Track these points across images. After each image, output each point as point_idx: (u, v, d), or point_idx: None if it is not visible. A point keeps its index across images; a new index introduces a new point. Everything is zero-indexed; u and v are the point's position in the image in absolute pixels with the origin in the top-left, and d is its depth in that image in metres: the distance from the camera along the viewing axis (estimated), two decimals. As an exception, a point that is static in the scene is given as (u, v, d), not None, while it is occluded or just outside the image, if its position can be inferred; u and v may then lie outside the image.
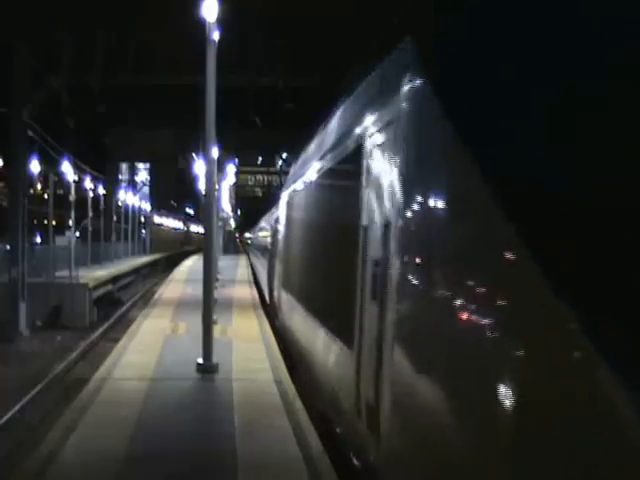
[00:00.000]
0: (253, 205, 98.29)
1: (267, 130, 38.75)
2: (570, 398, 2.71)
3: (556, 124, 3.30)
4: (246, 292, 27.30)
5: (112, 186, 51.11)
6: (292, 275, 12.89)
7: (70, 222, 32.94)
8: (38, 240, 38.28)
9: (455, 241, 4.04)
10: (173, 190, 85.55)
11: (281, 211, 17.46)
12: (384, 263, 5.19)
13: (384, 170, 5.45)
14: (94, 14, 23.54)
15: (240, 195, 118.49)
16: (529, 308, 3.10)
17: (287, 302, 13.28)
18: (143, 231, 65.84)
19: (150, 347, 13.78)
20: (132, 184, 73.39)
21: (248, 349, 13.89)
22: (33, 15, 22.02)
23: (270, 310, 19.33)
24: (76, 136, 35.90)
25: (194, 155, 49.26)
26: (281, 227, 16.82)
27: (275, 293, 16.99)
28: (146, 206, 66.96)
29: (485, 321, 3.51)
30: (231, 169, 61.14)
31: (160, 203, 76.46)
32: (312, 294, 9.82)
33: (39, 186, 63.62)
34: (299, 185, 12.63)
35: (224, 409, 9.35)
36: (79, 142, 37.98)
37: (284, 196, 16.45)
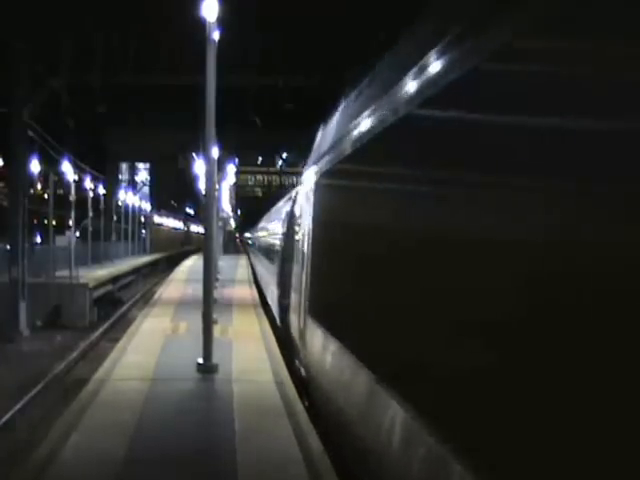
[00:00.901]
0: (253, 205, 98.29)
1: (267, 130, 38.73)
2: None
3: None
4: (246, 292, 27.29)
5: (112, 186, 51.07)
6: (340, 305, 7.06)
7: (70, 222, 32.94)
8: (38, 240, 38.28)
9: None
10: (173, 190, 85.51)
11: (302, 201, 11.74)
12: None
13: None
14: (94, 14, 23.56)
15: (240, 195, 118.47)
16: None
17: (327, 348, 7.60)
18: (143, 231, 65.84)
19: (150, 347, 13.77)
20: (132, 184, 73.40)
21: (248, 349, 13.88)
22: (33, 15, 22.02)
23: (282, 338, 14.20)
24: (76, 136, 35.92)
25: (194, 155, 49.26)
26: (305, 224, 10.60)
27: (293, 318, 11.28)
28: (146, 206, 66.97)
29: None
30: (231, 169, 61.22)
31: (160, 203, 76.46)
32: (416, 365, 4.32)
33: (39, 186, 63.59)
34: (361, 142, 6.25)
35: (224, 409, 9.34)
36: (79, 142, 38.00)
37: (309, 177, 10.49)
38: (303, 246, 10.43)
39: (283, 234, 16.89)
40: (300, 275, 10.36)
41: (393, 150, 5.19)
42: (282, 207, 21.50)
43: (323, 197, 9.04)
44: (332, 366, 7.32)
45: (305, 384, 9.97)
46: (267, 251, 25.82)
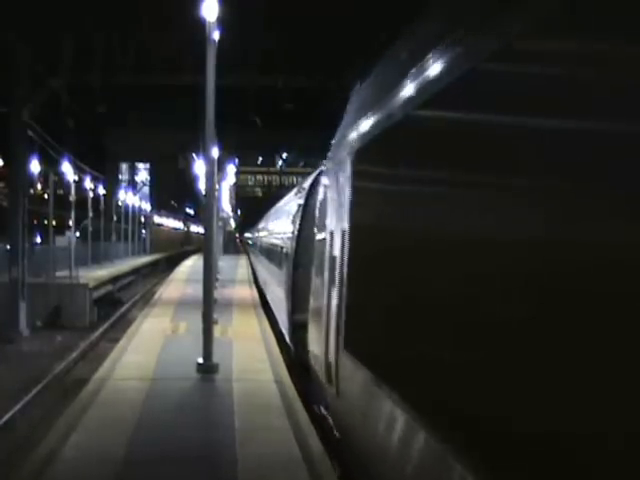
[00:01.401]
0: (253, 205, 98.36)
1: (267, 130, 38.79)
2: None
3: None
4: (246, 292, 27.29)
5: (112, 186, 51.09)
6: (408, 347, 4.51)
7: (70, 222, 32.96)
8: (38, 240, 38.28)
9: None
10: (173, 190, 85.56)
11: (329, 188, 8.45)
12: None
13: None
14: (94, 14, 23.56)
15: (240, 195, 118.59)
16: None
17: (381, 406, 5.09)
18: (143, 231, 65.85)
19: (150, 347, 13.77)
20: (132, 184, 73.41)
21: (248, 349, 13.89)
22: (33, 15, 22.02)
23: (295, 362, 12.19)
24: (76, 136, 35.93)
25: (194, 155, 49.27)
26: (335, 220, 7.59)
27: (317, 348, 8.25)
28: (146, 206, 66.97)
29: None
30: (231, 169, 61.24)
31: (160, 203, 76.48)
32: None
33: (39, 186, 63.61)
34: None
35: (224, 409, 9.34)
36: (79, 142, 38.01)
37: (343, 151, 7.38)
38: (333, 250, 7.38)
39: (295, 233, 14.07)
40: (329, 290, 7.37)
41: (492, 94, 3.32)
42: (292, 201, 18.17)
43: (371, 176, 6.08)
44: (390, 435, 4.81)
45: (336, 442, 7.11)
46: (273, 253, 21.74)
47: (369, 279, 5.72)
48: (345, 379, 6.43)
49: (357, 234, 6.30)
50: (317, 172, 12.82)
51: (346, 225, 6.71)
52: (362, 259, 6.06)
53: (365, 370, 5.49)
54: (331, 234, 7.67)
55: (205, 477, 6.97)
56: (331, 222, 7.83)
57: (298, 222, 14.04)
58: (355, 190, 6.50)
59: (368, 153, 6.06)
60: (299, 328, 11.10)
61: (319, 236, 9.11)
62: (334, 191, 7.84)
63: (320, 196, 9.74)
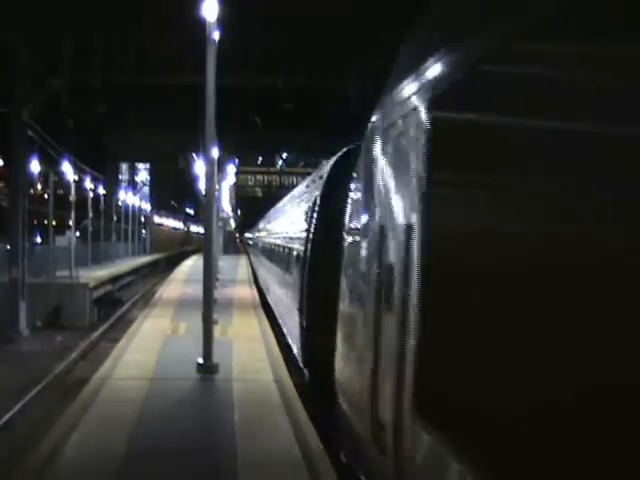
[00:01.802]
0: (253, 205, 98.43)
1: (267, 130, 38.81)
2: None
3: None
4: (246, 292, 27.29)
5: (112, 186, 51.13)
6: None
7: (70, 222, 32.99)
8: (38, 240, 38.29)
9: None
10: (173, 190, 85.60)
11: (370, 170, 5.62)
12: None
13: None
14: (94, 14, 23.58)
15: (240, 195, 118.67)
16: None
17: None
18: (143, 231, 65.87)
19: (150, 347, 13.78)
20: (132, 184, 73.42)
21: (248, 349, 13.90)
22: (33, 15, 22.04)
23: (311, 390, 10.45)
24: (76, 136, 35.94)
25: (194, 155, 49.29)
26: (387, 211, 4.96)
27: (354, 392, 5.64)
28: (146, 206, 67.00)
29: None
30: (231, 169, 61.28)
31: (160, 203, 76.51)
32: None
33: (39, 186, 63.63)
34: None
35: (224, 409, 9.35)
36: (79, 142, 38.02)
37: (401, 113, 4.55)
38: (386, 255, 4.95)
39: (310, 231, 11.70)
40: (377, 314, 4.98)
41: None
42: (305, 193, 15.51)
43: (472, 134, 3.37)
44: None
45: None
46: (278, 255, 19.06)
47: (468, 303, 3.30)
48: (416, 460, 3.93)
49: (441, 232, 3.82)
50: (340, 154, 10.99)
51: (417, 218, 4.19)
52: (454, 271, 3.54)
53: (456, 455, 3.22)
54: (382, 232, 5.13)
55: (205, 475, 7.00)
56: (382, 215, 5.25)
57: (315, 217, 11.49)
58: (436, 161, 3.94)
59: (469, 92, 3.41)
60: (319, 350, 8.70)
61: (354, 236, 6.50)
62: (385, 169, 5.22)
63: (356, 180, 6.76)
